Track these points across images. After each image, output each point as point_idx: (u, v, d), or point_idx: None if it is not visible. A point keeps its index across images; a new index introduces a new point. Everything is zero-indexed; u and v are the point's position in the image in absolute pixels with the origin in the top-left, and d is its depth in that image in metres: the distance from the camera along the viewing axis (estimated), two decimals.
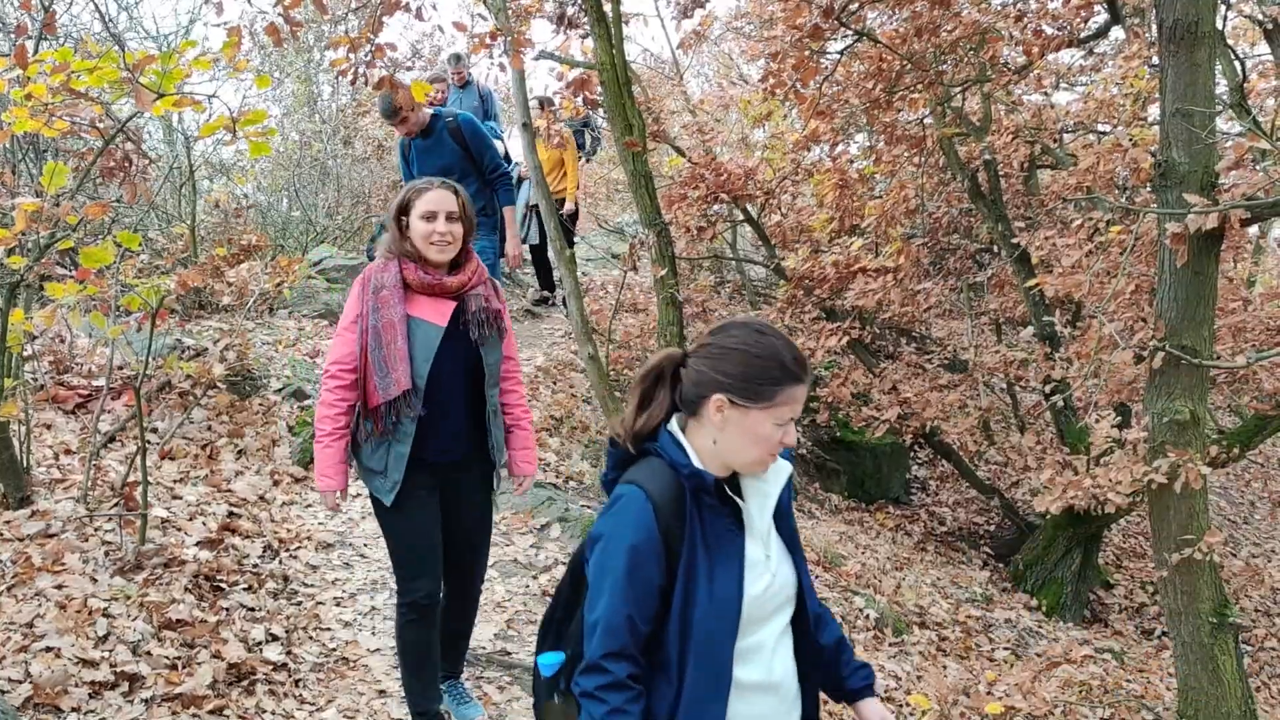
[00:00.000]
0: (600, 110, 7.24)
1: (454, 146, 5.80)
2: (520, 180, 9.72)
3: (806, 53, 6.52)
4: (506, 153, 8.65)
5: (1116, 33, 7.84)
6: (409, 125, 5.76)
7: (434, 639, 3.40)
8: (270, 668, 3.84)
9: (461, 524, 3.43)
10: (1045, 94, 8.83)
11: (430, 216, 3.17)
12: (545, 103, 10.14)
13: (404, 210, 3.22)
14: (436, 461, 3.27)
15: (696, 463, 1.96)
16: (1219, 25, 4.87)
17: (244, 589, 4.34)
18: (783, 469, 2.07)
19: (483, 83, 10.34)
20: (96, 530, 4.30)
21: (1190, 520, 4.95)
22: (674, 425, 2.01)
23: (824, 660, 2.15)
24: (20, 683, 3.29)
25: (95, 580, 3.95)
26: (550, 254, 9.06)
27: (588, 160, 11.42)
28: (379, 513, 3.32)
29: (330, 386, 3.21)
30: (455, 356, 3.23)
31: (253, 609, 4.22)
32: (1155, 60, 6.44)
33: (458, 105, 9.40)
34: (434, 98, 9.14)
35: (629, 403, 2.06)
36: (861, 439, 8.89)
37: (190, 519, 4.73)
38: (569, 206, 9.61)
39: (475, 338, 3.25)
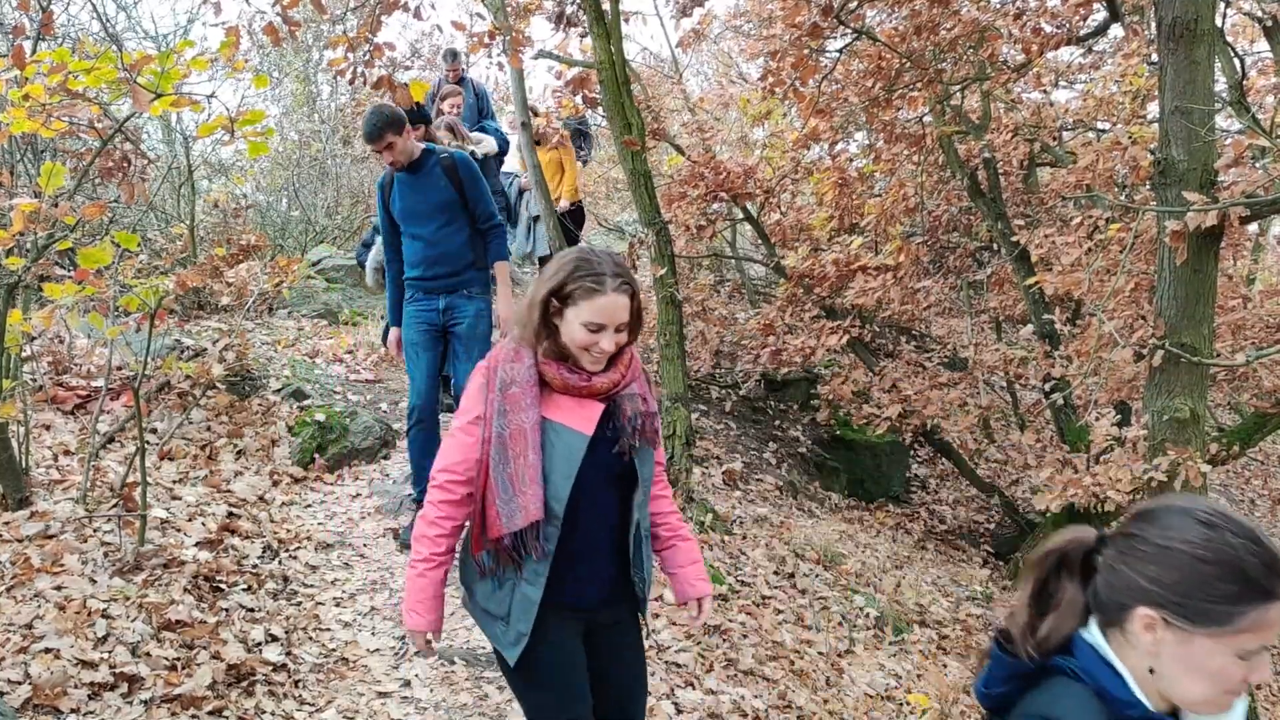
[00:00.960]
0: (599, 109, 7.24)
1: (446, 186, 5.06)
2: (521, 192, 9.67)
3: (806, 51, 6.52)
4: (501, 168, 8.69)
5: (1115, 30, 7.83)
6: (395, 154, 4.94)
7: None
8: (270, 668, 3.84)
9: (609, 684, 2.71)
10: (1044, 92, 8.83)
11: (598, 328, 2.44)
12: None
13: (561, 298, 2.47)
14: (575, 604, 2.59)
15: (1142, 698, 1.49)
16: (1218, 23, 4.87)
17: (243, 589, 4.33)
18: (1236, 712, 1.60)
19: (478, 81, 10.22)
20: (95, 531, 4.30)
21: None
22: (1095, 634, 1.53)
23: None
24: (20, 684, 3.29)
25: (94, 581, 3.94)
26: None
27: (584, 164, 11.38)
28: (503, 670, 2.67)
29: (436, 500, 2.57)
30: (600, 470, 2.53)
31: (252, 609, 4.22)
32: (1154, 58, 6.43)
33: None
34: (451, 112, 9.01)
35: (1020, 592, 1.60)
36: (861, 437, 8.88)
37: (189, 519, 4.72)
38: (563, 204, 9.53)
39: (627, 448, 2.57)
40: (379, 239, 6.37)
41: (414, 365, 5.18)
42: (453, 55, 9.65)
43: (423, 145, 5.11)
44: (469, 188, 5.08)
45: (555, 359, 2.51)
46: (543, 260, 9.71)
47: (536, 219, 9.26)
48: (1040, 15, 6.92)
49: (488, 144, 8.59)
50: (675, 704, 4.22)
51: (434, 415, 5.20)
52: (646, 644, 2.69)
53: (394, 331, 5.31)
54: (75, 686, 3.35)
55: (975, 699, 1.76)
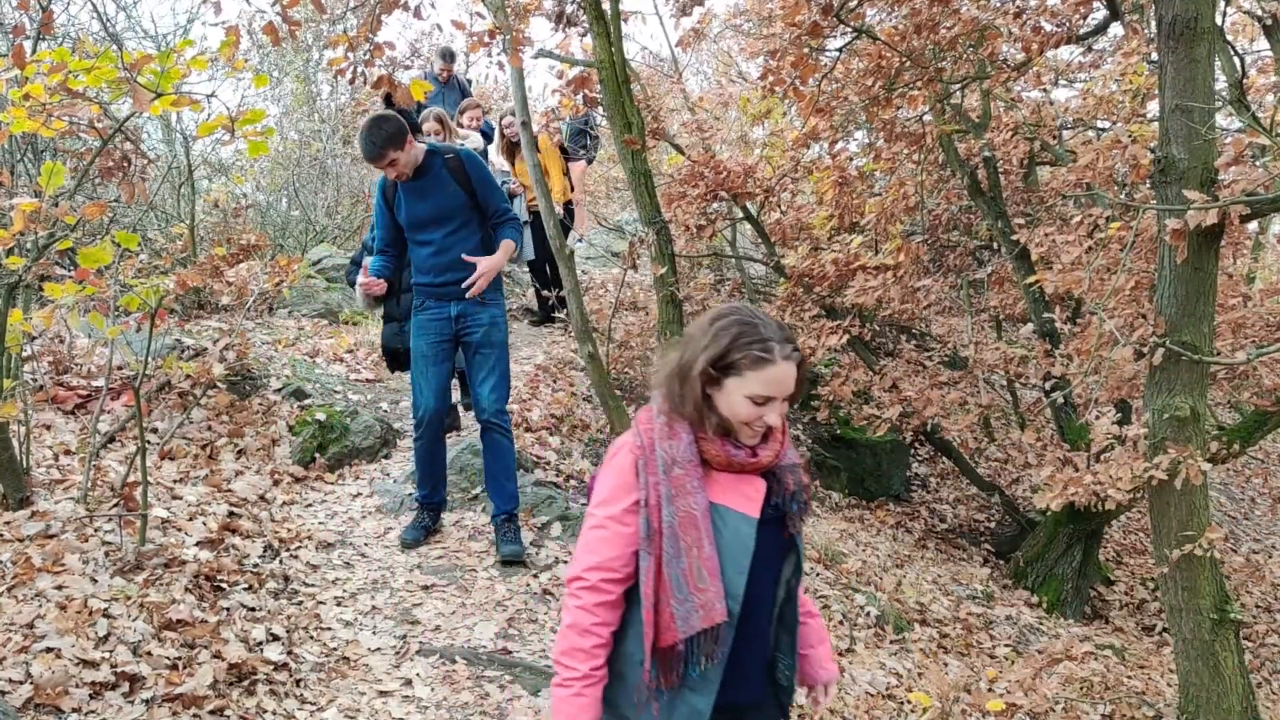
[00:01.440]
0: (599, 108, 7.23)
1: (455, 188, 4.80)
2: (512, 197, 9.39)
3: (805, 50, 6.52)
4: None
5: (1115, 29, 7.83)
6: (400, 169, 4.69)
7: None
8: (271, 668, 3.84)
9: None
10: (1044, 90, 8.83)
11: (764, 401, 2.17)
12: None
13: (723, 367, 2.17)
14: (731, 704, 2.26)
15: None
16: (1218, 21, 4.87)
17: (244, 589, 4.33)
18: None
19: (460, 76, 10.15)
20: (96, 531, 4.30)
21: (1190, 516, 4.95)
22: None
23: None
24: (21, 683, 3.29)
25: (95, 581, 3.95)
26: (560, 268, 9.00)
27: (589, 163, 11.30)
28: None
29: (589, 604, 2.17)
30: (764, 555, 2.24)
31: (253, 609, 4.22)
32: (1154, 56, 6.43)
33: (440, 102, 8.99)
34: (471, 125, 8.73)
35: None
36: (861, 436, 8.88)
37: (190, 519, 4.72)
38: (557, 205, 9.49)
39: (792, 527, 2.29)
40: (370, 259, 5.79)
41: (422, 377, 4.99)
42: (449, 56, 9.55)
43: (425, 146, 4.85)
44: (479, 186, 4.85)
45: (719, 434, 2.21)
46: (532, 265, 9.49)
47: (526, 223, 9.08)
48: (1040, 13, 6.91)
49: (474, 140, 8.46)
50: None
51: (441, 424, 5.09)
52: None
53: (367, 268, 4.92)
54: (76, 686, 3.36)
55: None
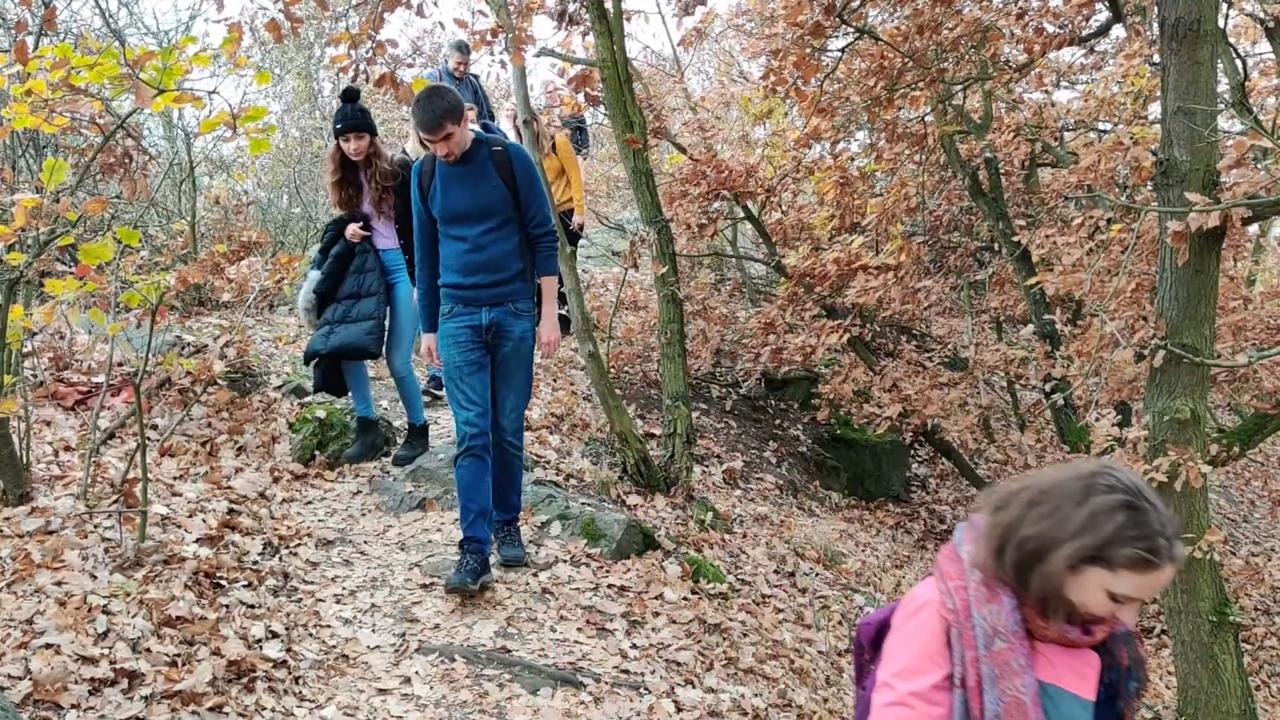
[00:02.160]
0: (601, 107, 7.23)
1: (498, 183, 4.42)
2: None
3: (808, 50, 6.52)
4: None
5: (1117, 31, 7.83)
6: (452, 145, 4.32)
7: None
8: (270, 665, 3.84)
9: None
10: (1046, 92, 8.83)
11: (1128, 601, 1.76)
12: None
13: (1093, 558, 1.73)
14: None
15: None
16: (1220, 23, 4.87)
17: (244, 586, 4.33)
18: None
19: (471, 75, 9.55)
20: (96, 527, 4.30)
21: (1190, 519, 4.95)
22: None
23: None
24: (20, 679, 3.29)
25: (95, 577, 3.94)
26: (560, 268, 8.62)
27: (582, 159, 11.12)
28: None
29: None
30: None
31: (252, 606, 4.22)
32: (1156, 58, 6.43)
33: None
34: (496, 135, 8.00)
35: None
36: (861, 436, 8.88)
37: (190, 516, 4.72)
38: (578, 219, 8.75)
39: (1126, 708, 1.93)
40: (314, 273, 5.75)
41: (461, 389, 4.51)
42: (465, 49, 8.95)
43: (472, 133, 4.51)
44: (524, 185, 4.48)
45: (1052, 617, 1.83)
46: None
47: None
48: (1042, 15, 6.93)
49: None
50: (675, 702, 4.22)
51: (489, 440, 4.56)
52: None
53: (429, 338, 4.72)
54: (76, 682, 3.36)
55: None
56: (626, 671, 4.32)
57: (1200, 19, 4.64)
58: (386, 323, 5.72)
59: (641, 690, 4.21)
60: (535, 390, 7.42)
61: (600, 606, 4.73)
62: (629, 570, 5.10)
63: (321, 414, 6.17)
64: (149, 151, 6.49)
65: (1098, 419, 6.12)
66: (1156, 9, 5.44)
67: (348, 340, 5.49)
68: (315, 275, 5.71)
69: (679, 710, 4.19)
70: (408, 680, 3.97)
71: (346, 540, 5.15)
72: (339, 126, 5.46)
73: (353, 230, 5.62)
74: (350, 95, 5.49)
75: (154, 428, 5.60)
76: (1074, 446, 7.23)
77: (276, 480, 5.59)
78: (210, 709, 3.46)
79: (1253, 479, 11.64)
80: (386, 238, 5.69)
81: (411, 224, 4.75)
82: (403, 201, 5.31)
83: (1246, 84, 6.29)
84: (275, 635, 4.06)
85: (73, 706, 3.27)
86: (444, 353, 4.58)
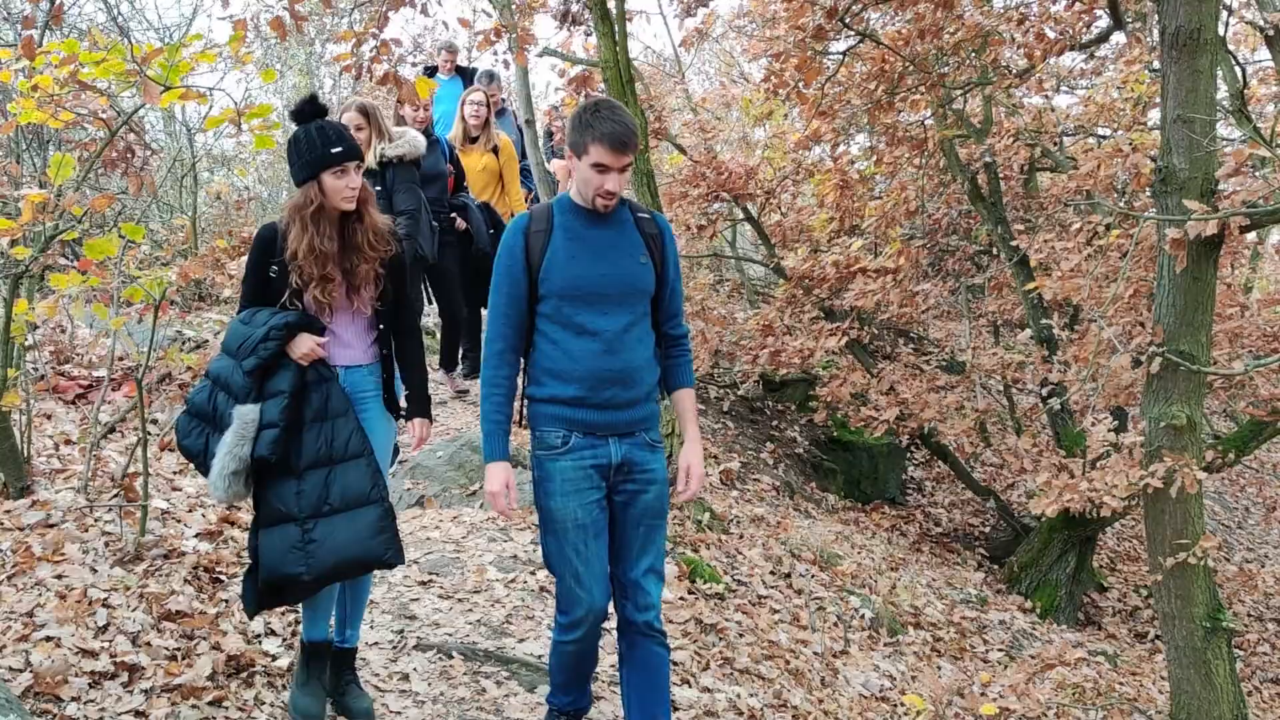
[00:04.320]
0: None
1: (647, 259, 3.28)
2: (464, 207, 6.81)
3: (809, 53, 6.54)
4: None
5: (1118, 37, 7.86)
6: (621, 184, 3.15)
7: None
8: (269, 660, 3.86)
9: None
10: (1046, 97, 8.85)
11: None
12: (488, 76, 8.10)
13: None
14: None
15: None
16: (1220, 31, 4.90)
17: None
18: None
19: (511, 113, 8.38)
20: (96, 521, 4.31)
21: (1185, 525, 4.98)
22: None
23: None
24: (21, 671, 3.30)
25: (95, 571, 3.96)
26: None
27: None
28: None
29: None
30: None
31: None
32: (1156, 64, 6.46)
33: (448, 100, 7.93)
34: (416, 122, 6.40)
35: None
36: (858, 439, 8.91)
37: (189, 510, 4.74)
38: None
39: None
40: (246, 411, 3.21)
41: (579, 557, 3.23)
42: (490, 78, 8.16)
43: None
44: (674, 268, 3.37)
45: None
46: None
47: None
48: (1043, 21, 6.94)
49: (408, 142, 5.57)
50: (672, 701, 4.24)
51: (602, 622, 3.36)
52: None
53: (502, 471, 3.27)
54: (76, 675, 3.37)
55: None
56: None
57: (1200, 27, 4.67)
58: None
59: None
60: None
61: None
62: None
63: None
64: (151, 147, 6.51)
65: (1094, 424, 6.15)
66: (1157, 16, 5.46)
67: (346, 554, 3.24)
68: (248, 418, 3.19)
69: (675, 709, 4.20)
70: (406, 677, 3.99)
71: None
72: (335, 152, 3.21)
73: (310, 347, 3.25)
74: (315, 107, 3.33)
75: (154, 422, 5.61)
76: (1070, 451, 7.26)
77: None
78: (210, 703, 3.48)
79: (1247, 485, 11.68)
80: (355, 350, 3.44)
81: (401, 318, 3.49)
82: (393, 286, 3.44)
83: (1245, 92, 6.32)
84: (274, 631, 4.07)
85: (73, 699, 3.28)
86: (558, 502, 3.22)
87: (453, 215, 6.53)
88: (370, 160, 4.44)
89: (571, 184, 3.25)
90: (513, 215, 6.72)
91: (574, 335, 3.15)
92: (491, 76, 7.83)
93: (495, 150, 7.28)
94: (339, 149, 3.20)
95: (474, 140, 7.20)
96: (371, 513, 3.27)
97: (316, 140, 3.21)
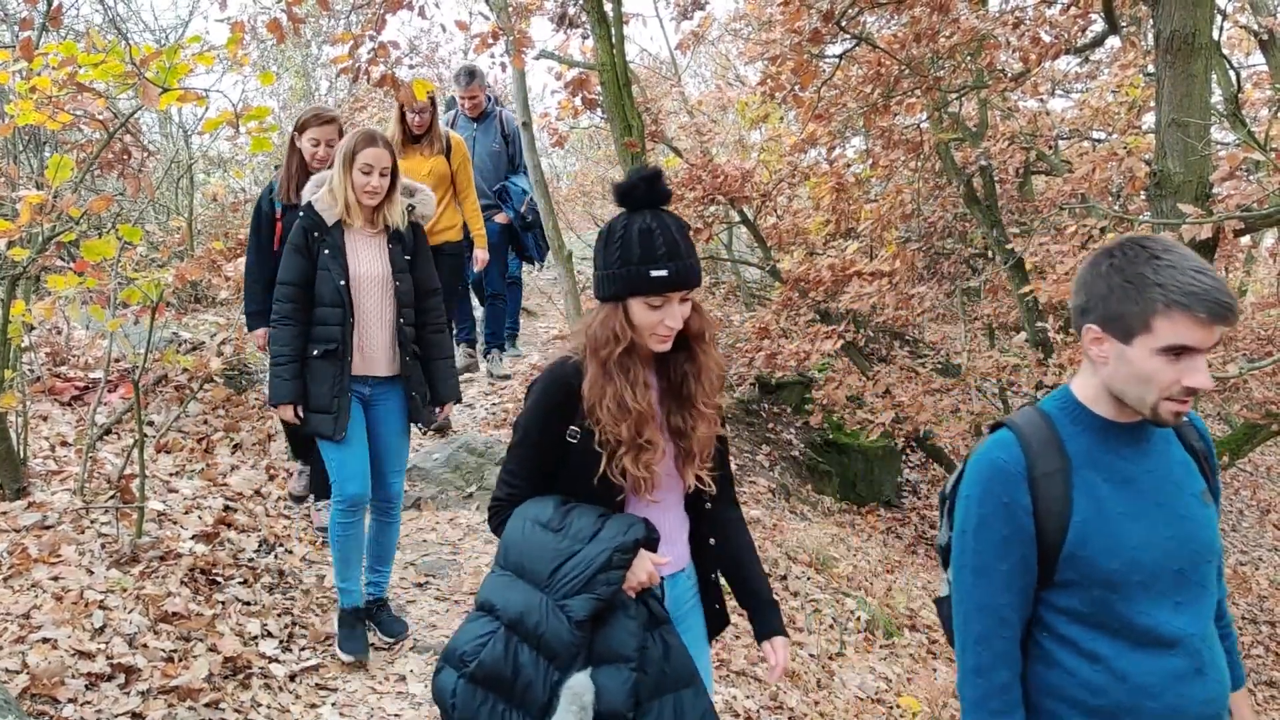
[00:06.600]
0: (599, 110, 7.25)
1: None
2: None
3: (805, 56, 6.55)
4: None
5: (1113, 41, 7.88)
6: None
7: None
8: (266, 661, 3.86)
9: None
10: (1041, 100, 8.88)
11: None
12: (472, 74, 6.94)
13: None
14: None
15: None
16: (1215, 35, 4.92)
17: (239, 583, 4.35)
18: None
19: (508, 115, 7.16)
20: (93, 522, 4.31)
21: None
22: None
23: None
24: (17, 673, 3.31)
25: (92, 572, 3.96)
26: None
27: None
28: None
29: None
30: None
31: (248, 603, 4.24)
32: (1151, 69, 6.48)
33: (471, 147, 6.52)
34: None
35: None
36: (854, 442, 8.92)
37: (186, 512, 4.74)
38: (481, 254, 6.24)
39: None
40: None
41: None
42: (469, 76, 6.93)
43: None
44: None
45: None
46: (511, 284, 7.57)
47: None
48: (1039, 24, 6.96)
49: (427, 199, 4.50)
50: None
51: None
52: None
53: None
54: (73, 676, 3.37)
55: None
56: None
57: (1195, 32, 4.69)
58: None
59: None
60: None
61: None
62: None
63: None
64: (148, 148, 6.51)
65: None
66: (1152, 21, 5.49)
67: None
68: (585, 699, 2.19)
69: None
70: (403, 679, 3.99)
71: None
72: (656, 277, 2.24)
73: (650, 570, 2.24)
74: (653, 191, 2.35)
75: (150, 424, 5.61)
76: None
77: (272, 478, 5.60)
78: (206, 705, 3.48)
79: (1241, 488, 11.71)
80: (678, 546, 2.56)
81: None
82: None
83: (1240, 96, 6.34)
84: (270, 633, 4.08)
85: (70, 700, 3.28)
86: None
87: None
88: (398, 218, 3.86)
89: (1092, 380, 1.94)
90: (465, 225, 6.07)
91: (1131, 646, 1.89)
92: (472, 73, 6.88)
93: (447, 151, 5.90)
94: (663, 271, 2.19)
95: (416, 140, 5.82)
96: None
97: (636, 249, 2.20)
